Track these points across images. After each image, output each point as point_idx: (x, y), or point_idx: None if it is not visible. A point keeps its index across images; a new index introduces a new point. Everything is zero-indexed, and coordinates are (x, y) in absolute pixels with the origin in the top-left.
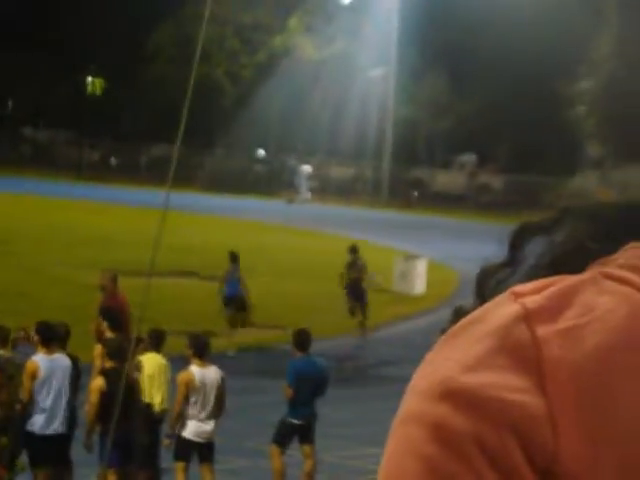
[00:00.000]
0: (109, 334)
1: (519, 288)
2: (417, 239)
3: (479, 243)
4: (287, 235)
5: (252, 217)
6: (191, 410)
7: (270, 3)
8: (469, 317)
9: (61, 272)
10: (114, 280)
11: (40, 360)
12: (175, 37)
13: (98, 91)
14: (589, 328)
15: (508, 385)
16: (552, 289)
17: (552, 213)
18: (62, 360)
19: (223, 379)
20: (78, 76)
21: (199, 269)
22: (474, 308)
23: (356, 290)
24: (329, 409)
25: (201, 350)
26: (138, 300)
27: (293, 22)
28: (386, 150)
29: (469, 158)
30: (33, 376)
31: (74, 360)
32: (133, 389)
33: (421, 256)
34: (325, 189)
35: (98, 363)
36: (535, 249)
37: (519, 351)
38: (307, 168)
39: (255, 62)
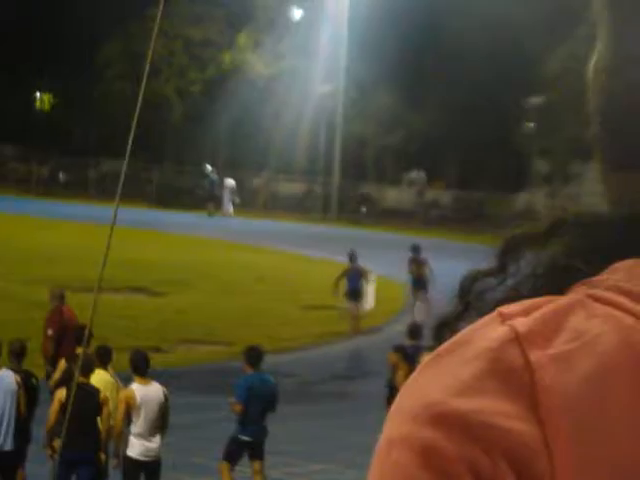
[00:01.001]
0: (78, 350)
1: (506, 309)
2: (366, 255)
3: (428, 259)
4: (234, 251)
5: (200, 233)
6: (134, 428)
7: (220, 19)
8: (455, 338)
9: (8, 287)
10: (62, 296)
11: None
12: (124, 53)
13: (47, 107)
14: (580, 353)
15: (501, 411)
16: (541, 311)
17: (541, 224)
18: (6, 377)
19: (166, 395)
20: (26, 92)
21: (148, 284)
22: (455, 313)
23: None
24: (274, 425)
25: (141, 366)
26: (87, 316)
27: (242, 38)
28: (335, 166)
29: (418, 175)
30: None
31: (29, 376)
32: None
33: (370, 272)
34: (275, 205)
35: (58, 377)
36: (524, 260)
37: (511, 376)
38: (231, 182)
39: (204, 78)
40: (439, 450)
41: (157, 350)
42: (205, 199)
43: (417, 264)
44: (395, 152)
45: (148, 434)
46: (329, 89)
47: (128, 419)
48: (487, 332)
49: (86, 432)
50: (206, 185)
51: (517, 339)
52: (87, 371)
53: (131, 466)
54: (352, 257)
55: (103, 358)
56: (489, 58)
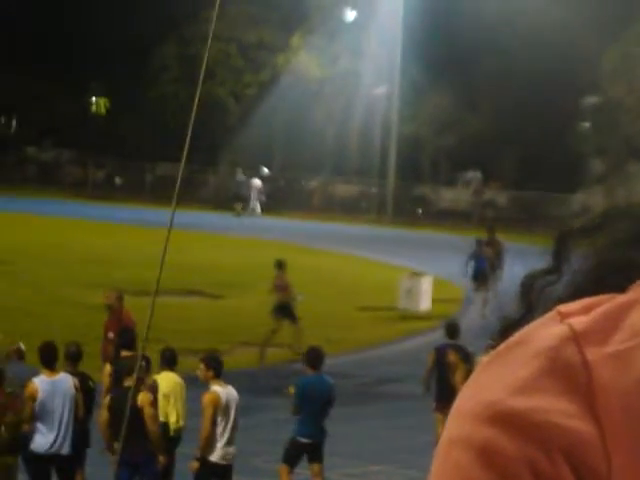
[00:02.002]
0: (124, 353)
1: (565, 308)
2: (422, 256)
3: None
4: (290, 253)
5: (256, 235)
6: (219, 432)
7: (274, 21)
8: (515, 337)
9: (66, 292)
10: (120, 299)
11: (39, 382)
12: (179, 56)
13: (102, 110)
14: (638, 352)
15: (558, 409)
16: (599, 310)
17: (593, 216)
18: (65, 381)
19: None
20: (82, 96)
21: (204, 287)
22: (519, 315)
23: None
24: (334, 426)
25: (220, 370)
26: (144, 319)
27: (296, 40)
28: (390, 167)
29: (474, 175)
30: (32, 398)
31: (86, 379)
32: (139, 410)
33: (426, 273)
34: (330, 206)
35: (107, 382)
36: (581, 255)
37: (569, 375)
38: (257, 182)
39: (259, 80)
40: (499, 450)
41: (214, 352)
42: (233, 200)
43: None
44: (450, 153)
45: (228, 437)
46: (384, 90)
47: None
48: (546, 331)
49: (142, 434)
50: (233, 186)
51: (575, 338)
52: (131, 374)
53: (210, 470)
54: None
55: (170, 360)
56: (544, 57)
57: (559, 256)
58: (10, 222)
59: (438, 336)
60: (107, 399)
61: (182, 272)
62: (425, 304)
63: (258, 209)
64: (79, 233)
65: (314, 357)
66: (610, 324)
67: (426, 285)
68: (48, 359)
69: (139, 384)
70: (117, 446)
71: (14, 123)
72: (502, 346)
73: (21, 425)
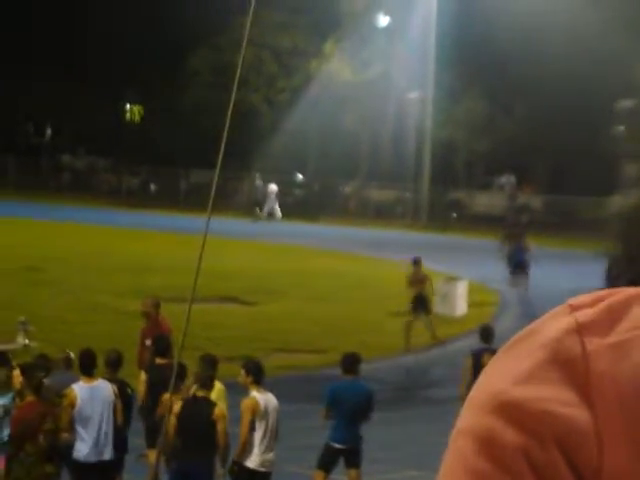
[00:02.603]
0: (159, 361)
1: (575, 300)
2: (457, 261)
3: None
4: (326, 258)
5: (292, 241)
6: (257, 438)
7: (307, 27)
8: (527, 328)
9: (102, 299)
10: (157, 306)
11: (78, 388)
12: (212, 62)
13: (137, 118)
14: (637, 343)
15: (556, 398)
16: (605, 302)
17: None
18: (103, 388)
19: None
20: (117, 103)
21: (239, 294)
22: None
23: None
24: (371, 432)
25: (260, 376)
26: (179, 326)
27: (329, 46)
28: (425, 172)
29: (508, 179)
30: (72, 405)
31: (124, 385)
32: (212, 421)
33: (461, 278)
34: (365, 211)
35: (141, 390)
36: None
37: (569, 364)
38: (274, 187)
39: (292, 86)
40: (498, 439)
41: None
42: (253, 205)
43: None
44: (484, 157)
45: (267, 444)
46: (417, 95)
47: (252, 429)
48: (554, 323)
49: (201, 445)
50: (252, 192)
51: (578, 329)
52: (205, 385)
53: (245, 476)
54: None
55: (211, 366)
56: (578, 60)
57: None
58: (45, 230)
59: (474, 340)
60: (177, 407)
61: (217, 279)
62: (461, 309)
63: (278, 213)
64: (114, 240)
65: (348, 362)
66: (615, 315)
67: (461, 289)
68: (87, 366)
69: (175, 392)
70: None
71: (49, 131)
72: (513, 338)
73: (60, 433)
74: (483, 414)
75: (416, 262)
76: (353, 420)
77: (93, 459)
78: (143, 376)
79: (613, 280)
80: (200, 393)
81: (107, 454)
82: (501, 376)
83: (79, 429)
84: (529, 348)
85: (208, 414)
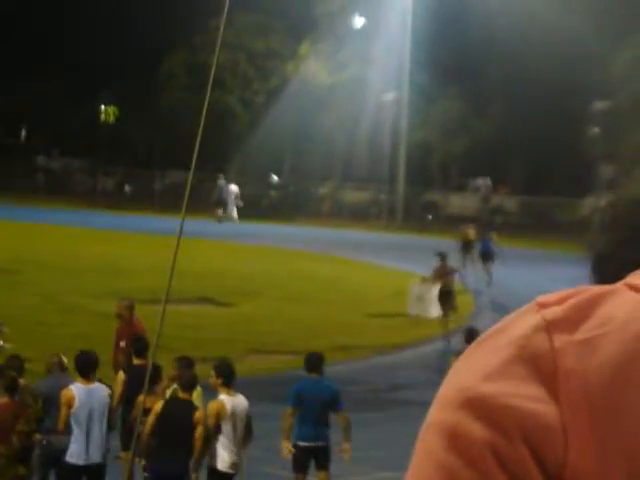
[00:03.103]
0: (136, 361)
1: (543, 298)
2: (432, 262)
3: (494, 265)
4: (301, 260)
5: (266, 242)
6: (223, 440)
7: (282, 29)
8: (495, 326)
9: (77, 301)
10: (131, 308)
11: (76, 389)
12: (187, 64)
13: (111, 119)
14: (606, 339)
15: (523, 394)
16: (573, 300)
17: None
18: (100, 390)
19: (249, 407)
20: (91, 104)
21: (215, 295)
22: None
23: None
24: (341, 433)
25: (230, 378)
26: (155, 327)
27: (304, 48)
28: (400, 174)
29: (483, 181)
30: (69, 405)
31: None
32: (192, 425)
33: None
34: (340, 213)
35: (119, 390)
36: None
37: (536, 361)
38: (235, 187)
39: (268, 88)
40: (465, 433)
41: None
42: (215, 205)
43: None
44: (460, 159)
45: (235, 446)
46: (392, 97)
47: (217, 431)
48: (522, 320)
49: (179, 447)
50: (215, 192)
51: (546, 327)
52: (188, 387)
53: (215, 478)
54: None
55: (187, 368)
56: (553, 63)
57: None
58: (20, 231)
59: (451, 342)
60: (158, 407)
61: (193, 280)
62: (436, 310)
63: (235, 214)
64: (90, 242)
65: (310, 361)
66: (582, 313)
67: (436, 291)
68: (85, 368)
69: (149, 393)
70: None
71: (23, 132)
72: (482, 336)
73: (32, 435)
74: (451, 409)
75: (442, 256)
76: (318, 419)
77: (84, 462)
78: (121, 376)
79: (597, 278)
80: (182, 395)
81: (98, 457)
82: (469, 372)
83: (74, 430)
84: (497, 345)
85: (189, 417)
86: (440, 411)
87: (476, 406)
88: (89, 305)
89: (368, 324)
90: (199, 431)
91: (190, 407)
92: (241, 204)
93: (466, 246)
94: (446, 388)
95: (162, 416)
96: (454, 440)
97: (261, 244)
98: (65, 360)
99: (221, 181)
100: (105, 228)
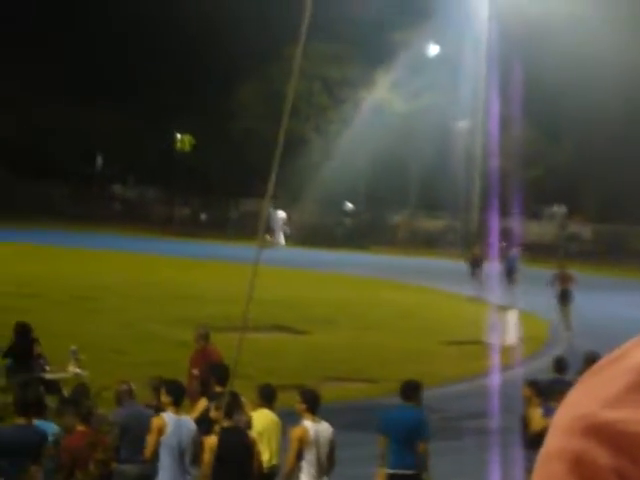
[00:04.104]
0: (218, 389)
1: None
2: (508, 290)
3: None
4: (377, 288)
5: (343, 270)
6: (305, 467)
7: (357, 58)
8: (613, 353)
9: (153, 328)
10: (206, 336)
11: (167, 418)
12: (262, 93)
13: (187, 147)
14: None
15: None
16: None
17: None
18: (188, 422)
19: (333, 434)
20: (167, 133)
21: (292, 323)
22: None
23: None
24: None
25: (314, 405)
26: (231, 355)
27: (380, 76)
28: (475, 201)
29: (559, 208)
30: (160, 432)
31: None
32: (250, 448)
33: (512, 307)
34: (414, 241)
35: (196, 417)
36: None
37: None
38: (282, 213)
39: (343, 116)
40: (590, 460)
41: (300, 388)
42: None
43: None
44: (535, 186)
45: (317, 473)
46: (467, 124)
47: (300, 458)
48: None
49: (241, 476)
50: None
51: None
52: (231, 413)
53: None
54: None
55: (268, 397)
56: (628, 91)
57: None
58: (96, 259)
59: (526, 369)
60: (211, 441)
61: (268, 307)
62: (511, 338)
63: (282, 240)
64: (165, 270)
65: (404, 389)
66: None
67: (512, 319)
68: (178, 397)
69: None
70: None
71: (99, 160)
72: (600, 361)
73: (109, 463)
74: (571, 437)
75: (562, 264)
76: (404, 445)
77: None
78: (204, 403)
79: None
80: (227, 423)
81: None
82: (589, 399)
83: (164, 459)
84: (616, 372)
85: (246, 441)
86: (561, 439)
87: (599, 432)
88: (164, 332)
89: (443, 352)
90: (256, 451)
91: (241, 432)
92: (288, 231)
93: (474, 263)
94: (564, 416)
95: (221, 447)
96: (579, 467)
97: (336, 272)
98: (134, 387)
99: (270, 208)
100: (181, 256)
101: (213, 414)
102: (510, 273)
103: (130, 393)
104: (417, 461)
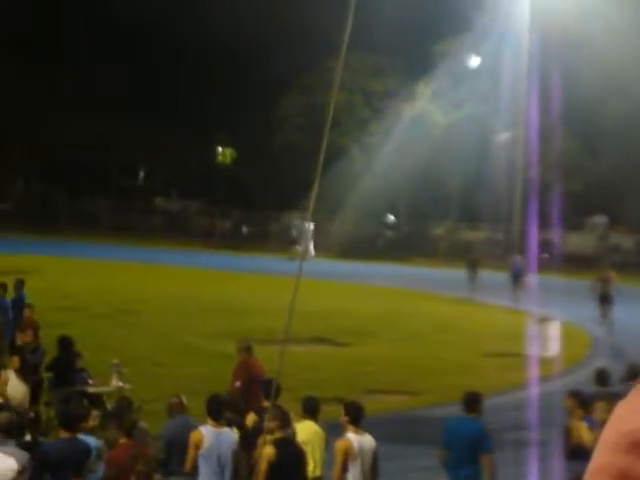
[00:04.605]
0: (265, 404)
1: None
2: (549, 301)
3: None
4: (417, 300)
5: (382, 283)
6: (350, 479)
7: (398, 70)
8: None
9: (194, 341)
10: (248, 349)
11: (205, 431)
12: (304, 105)
13: (228, 160)
14: None
15: None
16: None
17: None
18: (229, 434)
19: (376, 446)
20: (208, 146)
21: (333, 335)
22: None
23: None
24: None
25: (357, 417)
26: (272, 368)
27: (421, 88)
28: (516, 213)
29: (600, 219)
30: (197, 446)
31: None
32: (301, 459)
33: (553, 318)
34: (456, 253)
35: (244, 430)
36: None
37: None
38: (310, 225)
39: (384, 128)
40: (635, 476)
41: (341, 401)
42: (291, 243)
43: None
44: (576, 197)
45: None
46: (508, 136)
47: (344, 470)
48: None
49: None
50: (291, 230)
51: None
52: (284, 425)
53: None
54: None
55: (312, 409)
56: None
57: None
58: (138, 272)
59: (567, 381)
60: (269, 451)
61: (308, 320)
62: (553, 349)
63: (312, 251)
64: (207, 282)
65: (466, 400)
66: None
67: (553, 330)
68: (216, 410)
69: (268, 433)
70: None
71: (141, 174)
72: None
73: (151, 475)
74: (616, 453)
75: (603, 266)
76: (462, 458)
77: None
78: (252, 418)
79: None
80: (279, 434)
81: None
82: (633, 416)
83: (204, 472)
84: None
85: (299, 450)
86: (607, 455)
87: None
88: (205, 345)
89: (484, 364)
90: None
91: (296, 445)
92: (313, 242)
93: (515, 275)
94: (611, 432)
95: (277, 461)
96: None
97: (377, 284)
98: (185, 401)
99: (296, 220)
100: (223, 269)
101: (269, 424)
102: (516, 278)
103: (181, 406)
104: (478, 474)
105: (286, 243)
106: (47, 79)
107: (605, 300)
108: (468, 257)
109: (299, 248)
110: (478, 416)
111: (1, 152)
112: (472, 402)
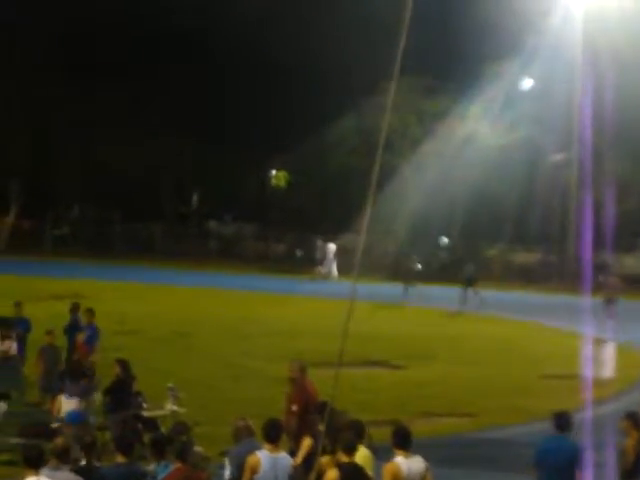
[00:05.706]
0: (320, 427)
1: None
2: (605, 323)
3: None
4: (472, 322)
5: (436, 304)
6: None
7: (451, 91)
8: None
9: (248, 364)
10: (303, 370)
11: (262, 455)
12: (356, 127)
13: (282, 183)
14: None
15: None
16: None
17: None
18: (286, 459)
19: (428, 469)
20: (262, 169)
21: (388, 358)
22: None
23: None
24: None
25: (404, 440)
26: (326, 391)
27: (474, 109)
28: (570, 234)
29: None
30: (253, 470)
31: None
32: None
33: (610, 340)
34: (509, 275)
35: (302, 456)
36: None
37: None
38: (333, 246)
39: (436, 149)
40: None
41: (395, 424)
42: (315, 264)
43: None
44: (631, 218)
45: None
46: (562, 157)
47: None
48: None
49: None
50: (315, 251)
51: None
52: (350, 450)
53: None
54: None
55: (359, 432)
56: None
57: None
58: (193, 295)
59: (624, 403)
60: (332, 475)
61: (363, 342)
62: (609, 371)
63: (335, 272)
64: (262, 306)
65: (557, 419)
66: None
67: (610, 352)
68: (272, 435)
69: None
70: None
71: (195, 198)
72: None
73: None
74: None
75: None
76: (561, 477)
77: None
78: (308, 442)
79: None
80: (345, 458)
81: None
82: None
83: None
84: None
85: (366, 477)
86: None
87: None
88: (260, 368)
89: (541, 386)
90: None
91: (361, 469)
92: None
93: (468, 281)
94: None
95: None
96: None
97: (431, 306)
98: (252, 424)
99: (319, 242)
100: (277, 292)
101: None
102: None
103: (248, 429)
104: None
105: (311, 265)
106: (99, 102)
107: None
108: (464, 274)
109: (321, 269)
110: (569, 434)
111: (57, 178)
112: (564, 421)
